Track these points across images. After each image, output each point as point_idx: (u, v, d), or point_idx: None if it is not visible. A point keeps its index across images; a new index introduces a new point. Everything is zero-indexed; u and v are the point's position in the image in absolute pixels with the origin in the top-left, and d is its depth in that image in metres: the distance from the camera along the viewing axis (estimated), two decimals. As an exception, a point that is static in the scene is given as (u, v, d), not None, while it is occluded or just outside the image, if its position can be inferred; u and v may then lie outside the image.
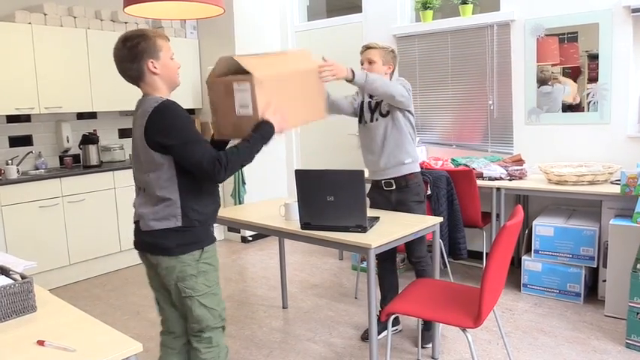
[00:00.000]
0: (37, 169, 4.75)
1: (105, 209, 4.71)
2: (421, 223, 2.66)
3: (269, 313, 3.70)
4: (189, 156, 1.92)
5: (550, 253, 3.67)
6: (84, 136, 4.81)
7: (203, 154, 1.92)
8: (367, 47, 3.03)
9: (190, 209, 2.01)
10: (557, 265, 3.66)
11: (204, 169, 1.92)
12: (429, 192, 3.81)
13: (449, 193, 3.84)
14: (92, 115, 5.20)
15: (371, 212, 2.92)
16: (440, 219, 2.76)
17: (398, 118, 2.99)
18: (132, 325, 3.59)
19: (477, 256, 4.55)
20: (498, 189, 3.88)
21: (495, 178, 3.99)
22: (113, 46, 2.03)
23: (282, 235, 2.74)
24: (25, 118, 4.72)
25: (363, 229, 2.49)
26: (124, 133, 5.49)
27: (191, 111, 5.96)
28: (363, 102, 3.17)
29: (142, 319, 3.69)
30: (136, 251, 2.14)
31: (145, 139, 1.94)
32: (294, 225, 2.68)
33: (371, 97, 3.12)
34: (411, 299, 2.43)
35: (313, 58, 2.51)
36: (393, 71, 3.07)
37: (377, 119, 3.04)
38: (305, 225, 2.60)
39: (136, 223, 2.09)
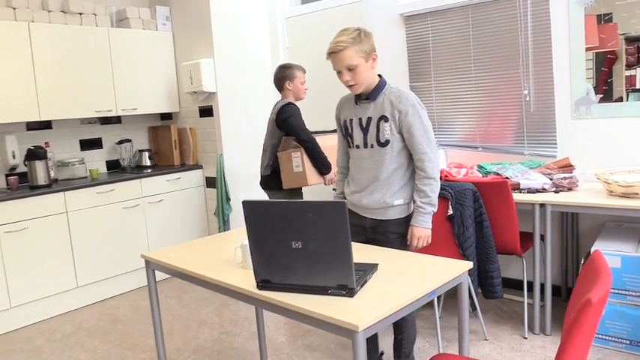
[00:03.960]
0: (-23, 191, 3.96)
1: (55, 238, 3.88)
2: (442, 275, 1.75)
3: (244, 376, 2.83)
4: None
5: (616, 292, 2.73)
6: (28, 150, 4.00)
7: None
8: (333, 52, 2.22)
9: None
10: (626, 307, 2.72)
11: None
12: (450, 212, 2.90)
13: (477, 212, 2.92)
14: (46, 125, 4.39)
15: (362, 252, 2.03)
16: (470, 264, 1.85)
17: (401, 150, 2.30)
18: (65, 398, 2.75)
19: (512, 284, 3.62)
20: (542, 205, 2.95)
21: (537, 190, 3.06)
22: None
23: (230, 294, 1.86)
24: (-41, 131, 3.94)
25: (349, 292, 1.60)
26: (86, 145, 4.67)
27: (167, 115, 5.12)
28: (346, 120, 2.43)
29: (82, 386, 2.85)
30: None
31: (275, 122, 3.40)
32: (251, 280, 1.79)
33: (360, 103, 2.38)
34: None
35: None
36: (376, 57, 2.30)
37: (372, 146, 2.33)
38: (262, 284, 1.72)
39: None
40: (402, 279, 1.74)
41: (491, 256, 2.94)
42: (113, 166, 4.86)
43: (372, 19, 4.15)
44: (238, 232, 2.61)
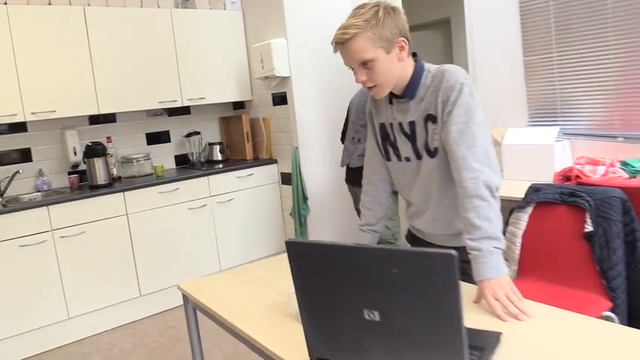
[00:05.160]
0: (38, 190, 3.72)
1: (115, 243, 3.54)
2: (604, 357, 1.07)
3: None
4: None
5: None
6: (87, 146, 3.68)
7: None
8: (338, 42, 1.50)
9: None
10: None
11: None
12: (588, 228, 2.14)
13: (627, 228, 2.13)
14: (110, 119, 4.08)
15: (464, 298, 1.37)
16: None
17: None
18: None
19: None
20: None
21: None
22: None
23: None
24: (20, 127, 3.69)
25: (459, 397, 0.97)
26: (153, 139, 4.32)
27: (239, 104, 4.66)
28: (384, 124, 1.71)
29: None
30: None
31: None
32: (305, 349, 1.20)
33: (396, 103, 1.66)
34: None
35: None
36: (410, 45, 1.55)
37: (420, 157, 1.63)
38: (320, 365, 1.13)
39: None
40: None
41: (647, 289, 2.15)
42: (182, 161, 4.48)
43: (474, -20, 3.39)
44: (269, 262, 2.03)
